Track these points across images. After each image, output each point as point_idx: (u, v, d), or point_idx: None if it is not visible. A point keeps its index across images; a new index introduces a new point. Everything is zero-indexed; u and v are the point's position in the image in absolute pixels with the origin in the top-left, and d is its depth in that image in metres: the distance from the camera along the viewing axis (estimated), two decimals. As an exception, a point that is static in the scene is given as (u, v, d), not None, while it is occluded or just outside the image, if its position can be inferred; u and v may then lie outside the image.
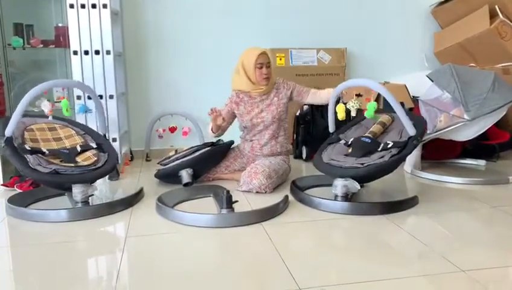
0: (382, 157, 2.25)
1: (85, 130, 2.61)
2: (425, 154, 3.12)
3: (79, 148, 2.41)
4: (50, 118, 2.54)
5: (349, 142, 2.46)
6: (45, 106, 2.55)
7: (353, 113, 2.54)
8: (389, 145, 2.31)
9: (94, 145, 2.46)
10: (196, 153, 2.78)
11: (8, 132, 2.24)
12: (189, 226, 2.05)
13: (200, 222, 2.06)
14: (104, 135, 2.62)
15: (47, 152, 2.32)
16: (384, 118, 2.59)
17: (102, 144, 2.51)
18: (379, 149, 2.33)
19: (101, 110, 2.63)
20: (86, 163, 2.31)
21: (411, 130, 2.28)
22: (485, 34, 3.38)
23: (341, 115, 2.50)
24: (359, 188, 2.22)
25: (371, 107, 2.42)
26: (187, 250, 1.82)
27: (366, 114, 2.45)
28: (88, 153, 2.40)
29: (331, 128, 2.63)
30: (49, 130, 2.51)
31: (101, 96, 2.97)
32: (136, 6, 3.48)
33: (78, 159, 2.35)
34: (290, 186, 2.58)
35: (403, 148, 2.28)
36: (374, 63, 3.86)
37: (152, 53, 3.56)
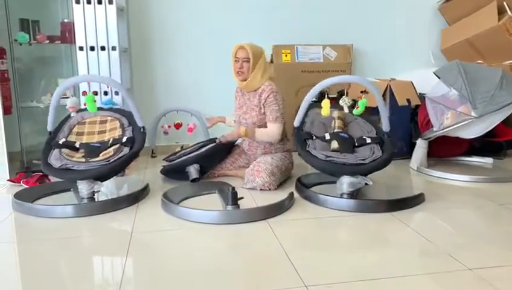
0: (373, 152, 2.31)
1: (131, 122, 2.56)
2: (431, 151, 3.10)
3: (110, 142, 2.41)
4: (72, 113, 2.54)
5: (327, 138, 2.46)
6: (70, 102, 2.57)
7: (345, 110, 2.59)
8: (368, 141, 2.40)
9: (124, 140, 2.41)
10: (202, 149, 2.78)
11: (49, 127, 2.42)
12: (195, 223, 2.05)
13: (205, 219, 2.07)
14: (143, 128, 2.52)
15: (78, 146, 2.37)
16: (341, 112, 2.62)
17: (135, 138, 2.45)
18: (356, 144, 2.41)
19: (133, 104, 2.53)
20: (98, 159, 2.30)
21: (387, 127, 2.42)
22: (492, 31, 3.35)
23: (325, 111, 2.48)
24: (371, 183, 2.23)
25: (362, 104, 2.48)
26: (192, 247, 1.82)
27: (356, 111, 2.53)
28: (111, 148, 2.38)
29: (298, 122, 2.56)
30: (100, 123, 2.55)
31: (106, 93, 2.98)
32: (141, 1, 3.47)
33: (102, 154, 2.34)
34: (295, 184, 2.57)
35: (381, 143, 2.39)
36: (380, 59, 3.84)
37: (157, 49, 3.56)
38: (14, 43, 3.08)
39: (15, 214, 2.22)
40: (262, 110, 2.69)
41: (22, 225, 2.12)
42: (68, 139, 2.43)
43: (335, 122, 2.57)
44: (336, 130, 2.51)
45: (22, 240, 1.94)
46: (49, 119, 2.41)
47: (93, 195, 2.28)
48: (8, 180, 2.75)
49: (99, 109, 2.61)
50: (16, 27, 3.10)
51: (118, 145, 2.38)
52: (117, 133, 2.48)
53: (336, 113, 2.60)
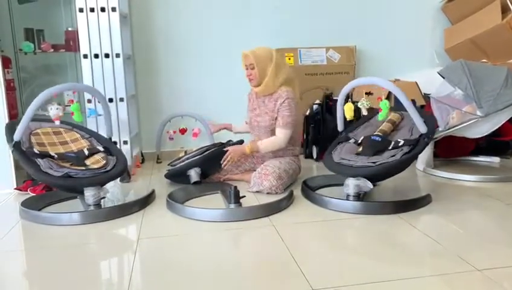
0: (393, 155, 2.23)
1: (90, 133, 2.63)
2: (437, 152, 3.08)
3: (86, 152, 2.42)
4: (56, 122, 2.50)
5: (359, 141, 2.44)
6: (53, 112, 2.47)
7: (364, 112, 2.56)
8: (400, 143, 2.30)
9: (101, 149, 2.47)
10: (205, 153, 2.79)
11: (16, 136, 2.25)
12: (199, 222, 2.11)
13: (209, 217, 2.14)
14: (110, 138, 2.62)
15: (56, 156, 2.34)
16: (394, 116, 2.58)
17: (110, 148, 2.51)
18: (390, 147, 2.32)
19: (108, 113, 2.61)
20: (95, 166, 2.32)
21: (422, 128, 2.26)
22: (496, 29, 3.33)
23: (349, 114, 2.50)
24: (371, 187, 2.20)
25: (384, 106, 2.38)
26: (199, 251, 1.81)
27: (380, 115, 2.42)
28: (96, 157, 2.41)
29: (340, 127, 2.62)
30: (54, 134, 2.53)
31: (111, 100, 2.99)
32: (144, 8, 3.49)
33: (88, 162, 2.36)
34: (301, 186, 2.57)
35: (415, 146, 2.26)
36: (384, 60, 3.83)
37: (161, 55, 3.58)
38: (19, 52, 3.10)
39: (22, 222, 2.23)
40: (276, 116, 2.70)
41: (29, 232, 2.13)
42: (36, 149, 2.32)
43: (382, 125, 2.53)
44: (376, 133, 2.46)
45: (30, 247, 1.94)
46: (19, 129, 2.24)
47: (100, 202, 2.29)
48: (15, 188, 2.77)
49: (62, 122, 2.57)
50: (21, 37, 3.13)
51: (103, 154, 2.42)
52: (84, 143, 2.50)
53: (391, 116, 2.56)
